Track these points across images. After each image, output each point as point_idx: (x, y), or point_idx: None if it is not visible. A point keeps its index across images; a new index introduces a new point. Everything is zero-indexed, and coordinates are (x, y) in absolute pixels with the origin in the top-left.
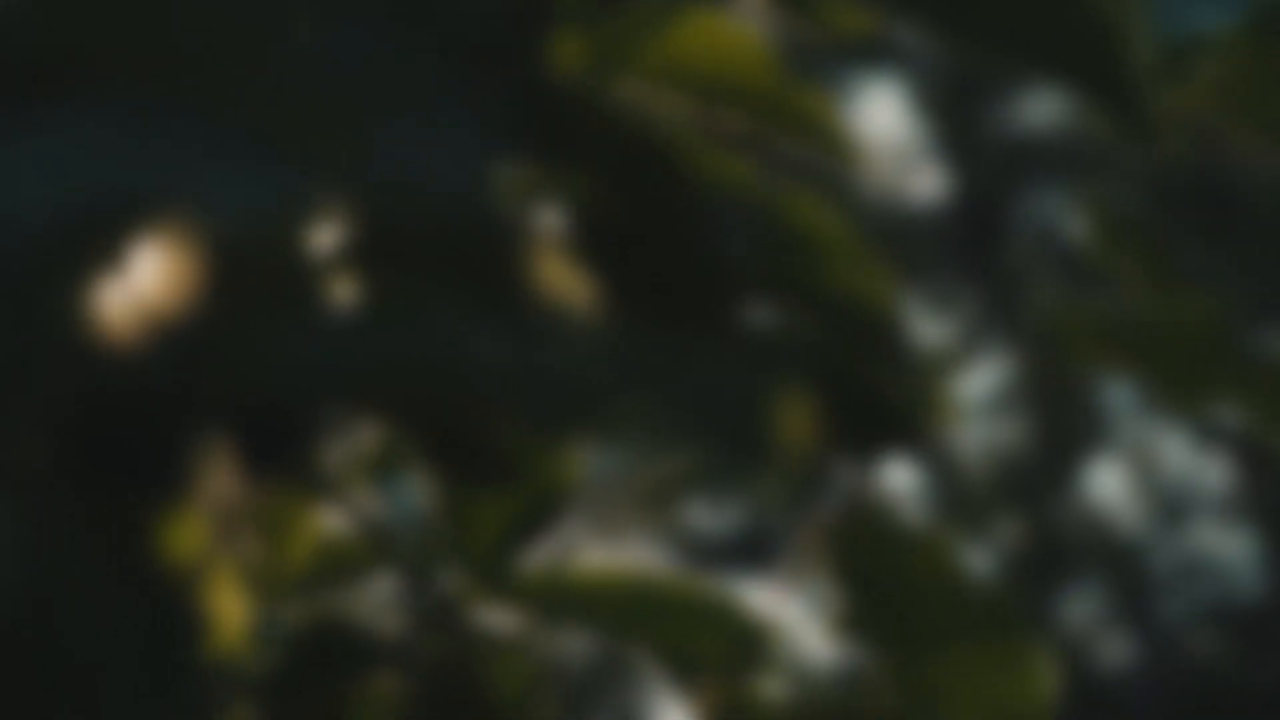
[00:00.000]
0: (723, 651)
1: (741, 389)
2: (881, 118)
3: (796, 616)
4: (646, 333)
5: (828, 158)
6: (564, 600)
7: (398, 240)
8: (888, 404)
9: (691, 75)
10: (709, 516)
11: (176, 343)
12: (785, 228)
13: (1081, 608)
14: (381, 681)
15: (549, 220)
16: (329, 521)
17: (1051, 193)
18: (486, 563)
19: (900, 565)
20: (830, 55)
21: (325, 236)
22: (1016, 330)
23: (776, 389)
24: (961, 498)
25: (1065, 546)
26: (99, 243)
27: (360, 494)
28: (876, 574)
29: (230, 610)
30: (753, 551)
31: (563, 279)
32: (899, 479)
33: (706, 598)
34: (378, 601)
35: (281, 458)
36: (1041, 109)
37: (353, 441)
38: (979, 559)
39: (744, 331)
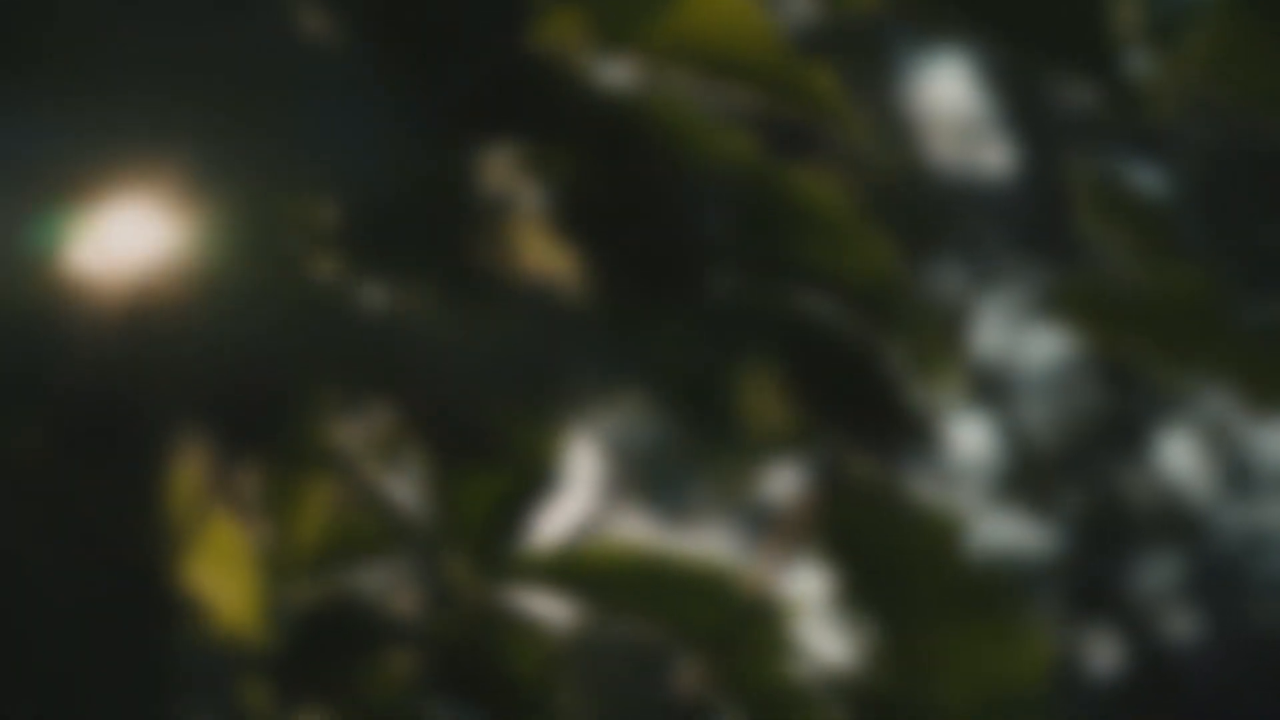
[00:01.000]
0: (731, 626)
1: (707, 365)
2: (948, 90)
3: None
4: (619, 308)
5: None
6: (572, 578)
7: (371, 222)
8: (887, 384)
9: (696, 51)
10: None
11: (153, 324)
12: (786, 203)
13: (1149, 579)
14: (394, 659)
15: (534, 196)
16: (340, 501)
17: (1118, 164)
18: (482, 542)
19: (896, 541)
20: (896, 29)
21: (302, 220)
22: None
23: (744, 364)
24: (1029, 468)
25: (1133, 518)
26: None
27: (373, 473)
28: (872, 550)
29: (237, 589)
30: None
31: (542, 255)
32: (967, 448)
33: (716, 573)
34: (391, 580)
35: (261, 439)
36: None
37: (365, 422)
38: (1047, 529)
39: (717, 306)
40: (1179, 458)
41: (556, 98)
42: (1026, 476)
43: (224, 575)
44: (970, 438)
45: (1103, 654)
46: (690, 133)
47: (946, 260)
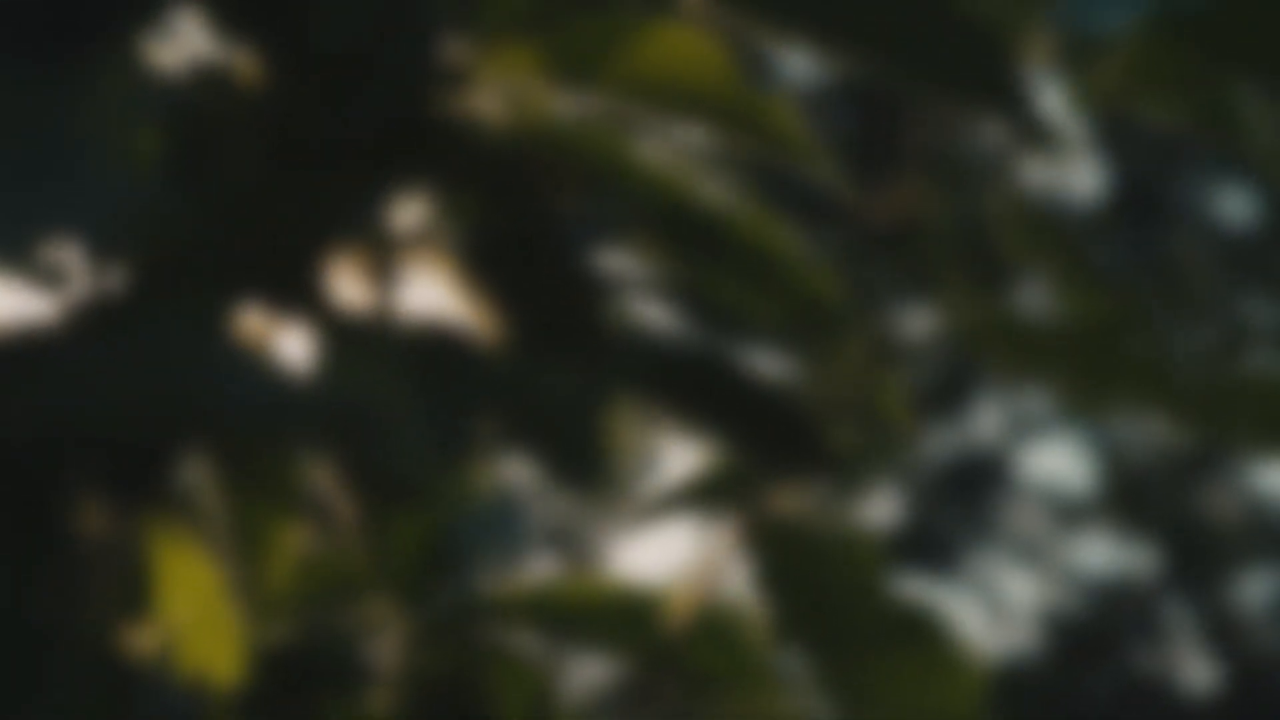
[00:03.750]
0: (709, 657)
1: (578, 404)
2: (1039, 109)
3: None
4: (518, 349)
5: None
6: (559, 615)
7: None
8: (801, 422)
9: (655, 86)
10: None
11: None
12: (722, 237)
13: (1242, 597)
14: (372, 699)
15: (445, 236)
16: (316, 541)
17: (1211, 180)
18: (407, 581)
19: (824, 573)
20: None
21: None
22: (1179, 318)
23: (623, 403)
24: (1121, 487)
25: (1227, 534)
26: None
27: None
28: (798, 583)
29: (212, 630)
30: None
31: (450, 294)
32: (1062, 466)
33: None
34: (372, 618)
35: (146, 488)
36: None
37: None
38: (1142, 546)
39: (604, 346)
40: (1270, 474)
41: (455, 140)
42: (1119, 496)
43: (198, 615)
44: (1062, 458)
45: (1196, 672)
46: (616, 168)
47: (1036, 280)
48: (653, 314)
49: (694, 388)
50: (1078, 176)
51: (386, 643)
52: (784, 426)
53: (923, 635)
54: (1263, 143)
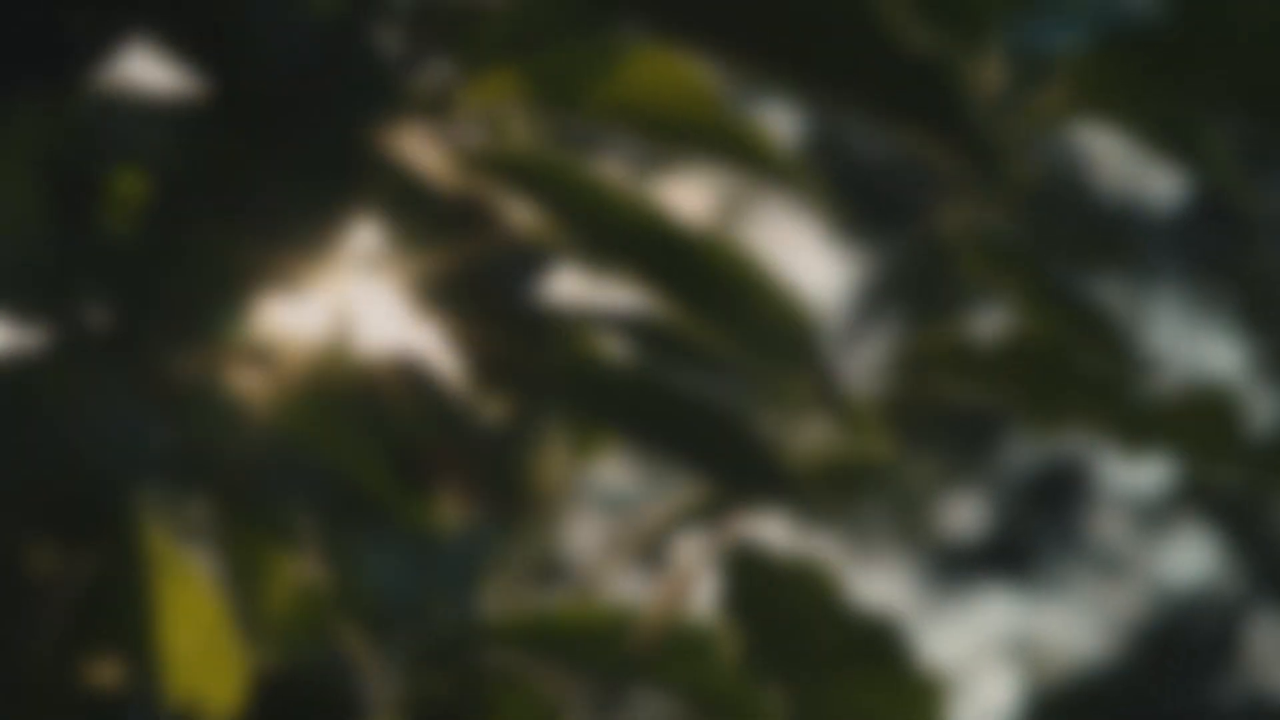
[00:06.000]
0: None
1: (509, 440)
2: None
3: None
4: (458, 384)
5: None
6: (550, 640)
7: None
8: (763, 452)
9: (639, 110)
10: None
11: None
12: (704, 266)
13: None
14: None
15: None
16: (307, 570)
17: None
18: (371, 611)
19: (785, 598)
20: None
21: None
22: (1263, 325)
23: (561, 434)
24: (1209, 490)
25: None
26: None
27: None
28: (763, 607)
29: (210, 658)
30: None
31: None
32: (1146, 472)
33: (696, 633)
34: (369, 647)
35: (93, 528)
36: None
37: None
38: (1208, 542)
39: (552, 379)
40: None
41: (406, 173)
42: (1203, 501)
43: (197, 644)
44: (1146, 464)
45: None
46: (583, 196)
47: (1109, 281)
48: (615, 343)
49: (653, 415)
50: (1156, 184)
51: (382, 670)
52: (743, 452)
53: (885, 654)
54: (1219, 161)
